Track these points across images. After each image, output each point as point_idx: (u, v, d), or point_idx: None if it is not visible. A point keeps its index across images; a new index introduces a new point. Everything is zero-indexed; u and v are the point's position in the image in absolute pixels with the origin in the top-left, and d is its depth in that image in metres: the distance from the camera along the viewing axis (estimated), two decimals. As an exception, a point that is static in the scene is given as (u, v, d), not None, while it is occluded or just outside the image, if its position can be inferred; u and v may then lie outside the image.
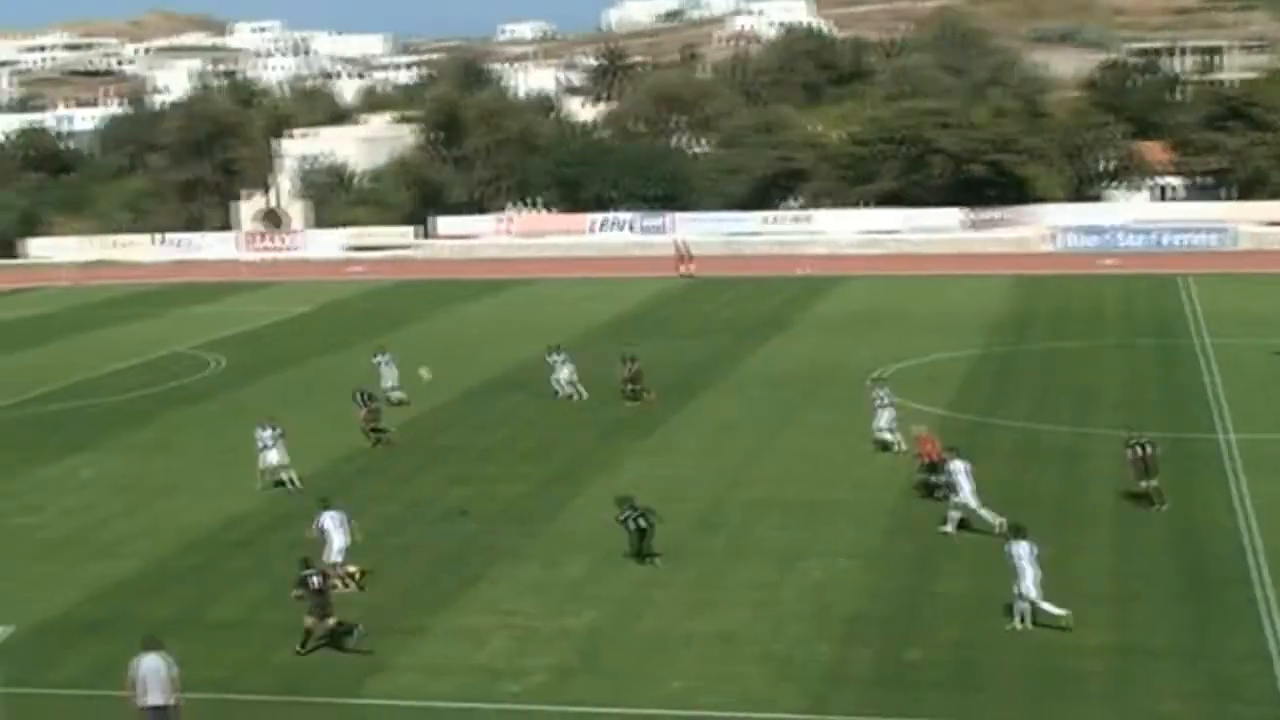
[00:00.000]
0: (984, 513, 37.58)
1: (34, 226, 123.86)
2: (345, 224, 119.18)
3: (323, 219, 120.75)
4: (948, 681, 29.41)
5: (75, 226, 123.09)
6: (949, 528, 37.88)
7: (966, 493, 37.82)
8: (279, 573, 36.27)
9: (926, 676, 29.63)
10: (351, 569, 35.59)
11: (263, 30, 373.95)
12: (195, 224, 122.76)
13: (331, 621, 31.48)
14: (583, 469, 46.22)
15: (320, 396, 57.59)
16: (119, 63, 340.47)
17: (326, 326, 77.53)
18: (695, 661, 30.59)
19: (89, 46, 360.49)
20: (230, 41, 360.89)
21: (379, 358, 57.69)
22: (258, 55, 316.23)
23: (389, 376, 56.83)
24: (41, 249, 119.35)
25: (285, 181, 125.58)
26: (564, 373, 56.71)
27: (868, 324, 72.53)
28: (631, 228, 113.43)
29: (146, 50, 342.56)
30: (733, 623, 32.56)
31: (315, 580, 31.64)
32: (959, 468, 38.16)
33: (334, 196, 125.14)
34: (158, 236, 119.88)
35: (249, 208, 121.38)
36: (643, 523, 36.35)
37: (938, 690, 29.04)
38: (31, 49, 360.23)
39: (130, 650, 27.74)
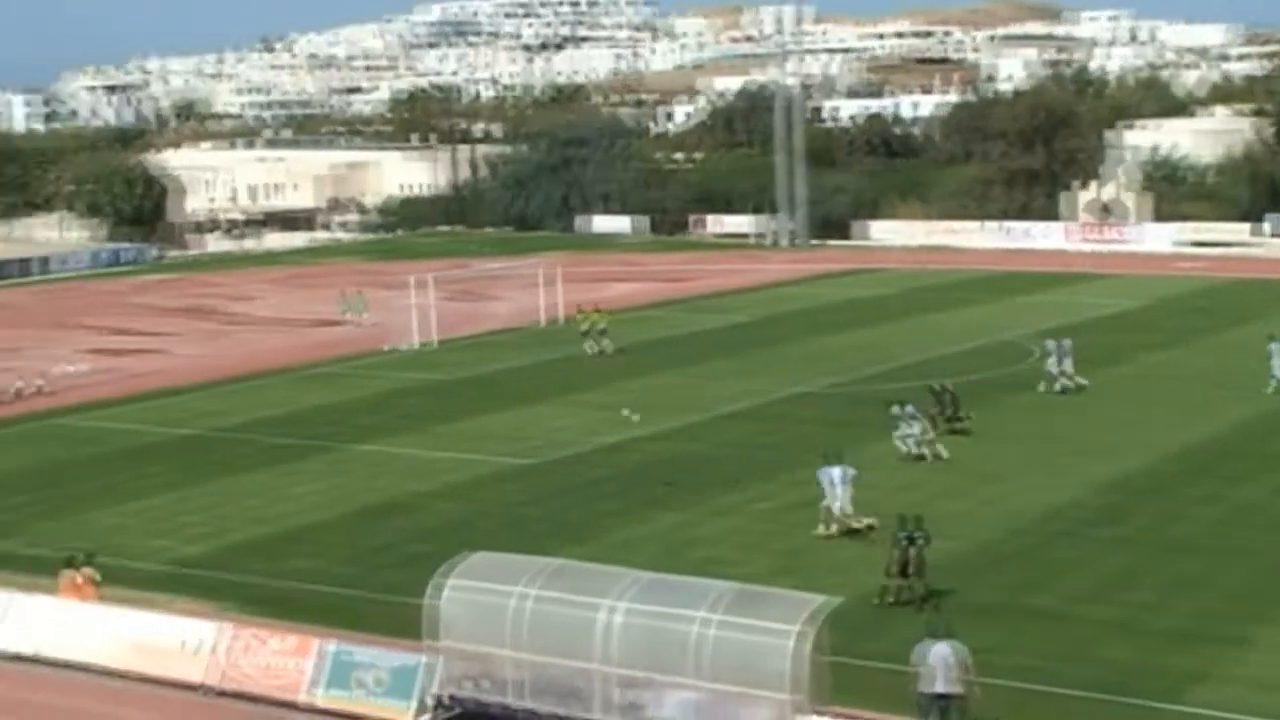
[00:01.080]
0: None
1: (873, 209, 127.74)
2: (1181, 218, 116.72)
3: (1158, 212, 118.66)
4: None
5: (911, 210, 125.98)
6: None
7: None
8: (1102, 567, 36.33)
9: None
10: (856, 525, 38.56)
11: (1108, 19, 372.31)
12: (1025, 212, 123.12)
13: (897, 583, 33.28)
14: None
15: (1156, 394, 56.73)
16: (960, 50, 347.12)
17: (1153, 322, 76.17)
18: None
19: (932, 34, 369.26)
20: (1072, 30, 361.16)
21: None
22: (1097, 44, 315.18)
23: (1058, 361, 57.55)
24: (879, 232, 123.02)
25: (1121, 173, 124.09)
26: None
27: None
28: None
29: (991, 38, 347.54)
30: None
31: (903, 539, 33.45)
32: None
33: (1171, 190, 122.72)
34: (989, 223, 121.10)
35: (1081, 198, 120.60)
36: None
37: None
38: (877, 36, 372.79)
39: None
